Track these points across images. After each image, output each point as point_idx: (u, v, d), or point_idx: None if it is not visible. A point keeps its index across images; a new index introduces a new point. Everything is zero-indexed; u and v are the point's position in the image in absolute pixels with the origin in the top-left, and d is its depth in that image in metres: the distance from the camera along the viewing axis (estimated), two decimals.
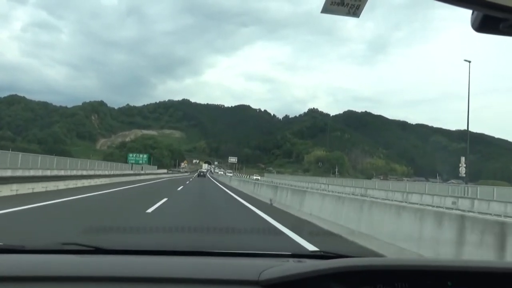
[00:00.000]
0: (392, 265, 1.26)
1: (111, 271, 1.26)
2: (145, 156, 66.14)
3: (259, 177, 66.47)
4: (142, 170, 53.28)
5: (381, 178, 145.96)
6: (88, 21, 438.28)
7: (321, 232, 8.36)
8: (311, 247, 5.91)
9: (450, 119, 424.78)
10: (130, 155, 65.97)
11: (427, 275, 1.19)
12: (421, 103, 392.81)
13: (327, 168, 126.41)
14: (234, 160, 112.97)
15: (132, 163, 56.31)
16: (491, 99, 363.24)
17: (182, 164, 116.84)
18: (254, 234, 7.62)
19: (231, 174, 74.15)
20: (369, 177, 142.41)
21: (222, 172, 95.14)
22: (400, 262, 1.32)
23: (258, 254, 1.72)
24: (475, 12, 0.81)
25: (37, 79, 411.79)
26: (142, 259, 1.52)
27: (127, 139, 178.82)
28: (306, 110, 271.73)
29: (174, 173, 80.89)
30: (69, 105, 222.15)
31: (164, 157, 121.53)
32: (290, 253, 1.73)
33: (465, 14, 0.82)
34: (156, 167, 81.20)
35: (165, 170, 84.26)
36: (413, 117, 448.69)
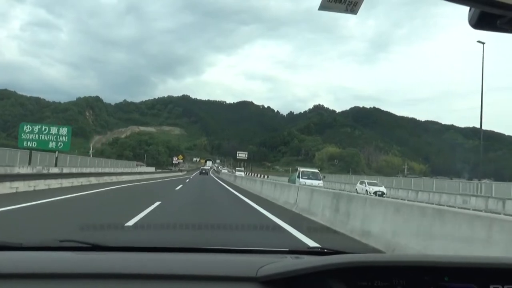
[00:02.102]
0: (390, 261, 1.27)
1: (108, 268, 1.26)
2: (63, 130, 25.59)
3: (384, 190, 30.63)
4: (55, 165, 22.06)
5: (400, 176, 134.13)
6: (87, 20, 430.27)
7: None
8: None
9: (453, 117, 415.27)
10: (24, 126, 24.66)
11: (424, 270, 1.20)
12: (422, 102, 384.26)
13: (342, 166, 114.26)
14: (244, 155, 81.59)
15: (30, 149, 23.11)
16: (493, 96, 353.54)
17: (175, 158, 73.45)
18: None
19: (320, 182, 26.73)
20: (387, 175, 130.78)
21: (241, 173, 49.15)
22: (398, 258, 1.32)
23: (256, 251, 1.71)
24: (473, 9, 0.81)
25: (36, 78, 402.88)
26: (139, 256, 1.51)
27: (123, 136, 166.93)
28: (311, 107, 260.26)
29: (164, 173, 54.72)
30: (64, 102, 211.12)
31: (161, 154, 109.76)
32: (288, 249, 1.72)
33: (465, 11, 0.83)
34: (136, 163, 60.75)
35: (152, 169, 62.72)
36: (415, 116, 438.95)
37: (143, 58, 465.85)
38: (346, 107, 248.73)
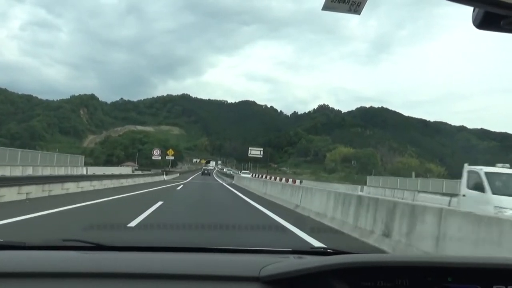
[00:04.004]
0: (393, 261, 1.26)
1: (111, 268, 1.25)
2: None
3: None
4: None
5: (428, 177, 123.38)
6: (88, 20, 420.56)
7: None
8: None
9: (457, 118, 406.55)
10: None
11: (427, 271, 1.19)
12: (425, 103, 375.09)
13: (358, 167, 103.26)
14: (258, 152, 59.68)
15: None
16: (501, 97, 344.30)
17: (156, 151, 48.71)
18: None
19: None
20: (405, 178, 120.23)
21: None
22: (401, 258, 1.31)
23: (258, 251, 1.70)
24: (477, 9, 0.80)
25: (35, 79, 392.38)
26: (142, 255, 1.51)
27: (117, 135, 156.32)
28: (315, 107, 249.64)
29: (135, 176, 29.97)
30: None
31: None
32: (290, 249, 1.71)
33: (469, 12, 0.82)
34: (81, 157, 36.99)
35: (127, 169, 42.23)
36: (418, 117, 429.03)
37: (144, 58, 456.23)
38: (348, 108, 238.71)
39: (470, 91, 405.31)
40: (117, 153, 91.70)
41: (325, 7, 1.49)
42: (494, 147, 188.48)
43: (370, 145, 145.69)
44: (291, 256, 1.55)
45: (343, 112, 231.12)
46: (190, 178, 40.86)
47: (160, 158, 39.09)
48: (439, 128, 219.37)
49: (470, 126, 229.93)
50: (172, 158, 46.39)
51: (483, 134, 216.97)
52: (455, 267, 1.20)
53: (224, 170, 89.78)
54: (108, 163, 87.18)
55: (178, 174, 47.46)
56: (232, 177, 43.73)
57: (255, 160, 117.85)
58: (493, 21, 0.78)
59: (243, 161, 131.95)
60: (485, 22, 0.79)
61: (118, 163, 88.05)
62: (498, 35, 0.82)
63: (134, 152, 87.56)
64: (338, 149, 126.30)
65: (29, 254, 1.44)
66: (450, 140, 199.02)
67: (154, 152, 42.07)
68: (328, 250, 1.69)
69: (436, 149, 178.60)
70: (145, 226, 6.87)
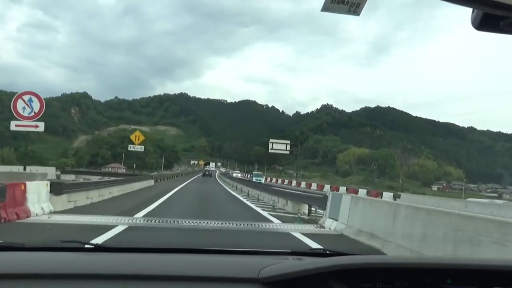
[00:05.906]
0: (392, 263, 1.26)
1: (110, 269, 1.25)
2: None
3: None
4: None
5: (443, 185, 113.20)
6: (85, 21, 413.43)
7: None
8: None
9: (460, 120, 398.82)
10: None
11: (426, 273, 1.19)
12: (426, 105, 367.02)
13: (377, 170, 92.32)
14: (284, 147, 42.08)
15: None
16: (502, 98, 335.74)
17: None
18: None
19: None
20: (425, 183, 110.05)
21: None
22: (400, 260, 1.31)
23: (258, 252, 1.70)
24: (475, 10, 0.80)
25: (32, 81, 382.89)
26: (141, 257, 1.51)
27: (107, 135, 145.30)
28: (319, 107, 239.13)
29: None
30: None
31: (149, 154, 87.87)
32: (289, 250, 1.71)
33: (468, 13, 0.81)
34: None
35: (50, 171, 26.04)
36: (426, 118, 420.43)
37: (142, 60, 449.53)
38: (348, 110, 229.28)
39: (470, 92, 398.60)
40: (102, 153, 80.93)
41: (325, 8, 1.46)
42: (510, 148, 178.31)
43: (382, 145, 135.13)
44: (290, 258, 1.54)
45: (347, 112, 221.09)
46: (171, 194, 18.91)
47: (38, 128, 12.46)
48: (449, 129, 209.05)
49: (478, 127, 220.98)
50: (141, 149, 26.94)
51: (496, 135, 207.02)
52: (454, 269, 1.19)
53: (235, 174, 63.06)
54: (93, 164, 76.08)
55: (151, 182, 26.82)
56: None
57: (258, 160, 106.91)
58: (492, 22, 0.77)
59: (246, 163, 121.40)
60: (484, 23, 0.78)
61: (104, 164, 76.86)
62: (498, 36, 0.81)
63: (123, 152, 76.69)
64: (351, 150, 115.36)
65: (28, 255, 1.42)
66: (462, 141, 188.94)
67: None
68: (327, 252, 1.68)
69: (450, 151, 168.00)
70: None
